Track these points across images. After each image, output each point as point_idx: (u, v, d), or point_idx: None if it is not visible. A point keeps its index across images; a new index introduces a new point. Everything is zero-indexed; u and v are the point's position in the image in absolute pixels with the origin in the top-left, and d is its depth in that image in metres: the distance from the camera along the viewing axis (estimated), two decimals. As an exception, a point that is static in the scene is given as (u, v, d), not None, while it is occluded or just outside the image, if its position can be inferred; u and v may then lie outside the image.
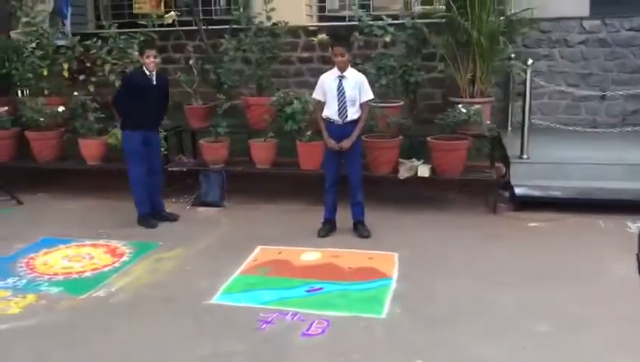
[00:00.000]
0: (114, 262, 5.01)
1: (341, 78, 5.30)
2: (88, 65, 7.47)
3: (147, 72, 5.81)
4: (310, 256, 5.07)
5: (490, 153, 6.70)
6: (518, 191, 6.13)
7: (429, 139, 6.33)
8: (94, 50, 7.30)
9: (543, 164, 6.30)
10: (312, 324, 3.84)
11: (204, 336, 3.73)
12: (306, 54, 8.33)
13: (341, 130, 5.36)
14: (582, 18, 7.62)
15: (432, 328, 3.78)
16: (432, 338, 3.66)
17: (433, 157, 6.29)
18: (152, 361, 3.50)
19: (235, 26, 7.37)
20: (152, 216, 6.03)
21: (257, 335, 3.72)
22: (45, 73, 7.38)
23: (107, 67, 7.26)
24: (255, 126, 7.08)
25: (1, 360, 3.52)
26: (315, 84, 5.56)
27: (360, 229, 5.52)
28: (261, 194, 6.85)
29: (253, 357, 3.49)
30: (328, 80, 5.36)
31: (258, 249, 5.24)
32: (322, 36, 6.83)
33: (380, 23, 6.71)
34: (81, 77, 7.52)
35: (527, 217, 5.88)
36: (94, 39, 7.34)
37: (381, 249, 5.19)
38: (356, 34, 6.76)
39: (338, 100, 5.28)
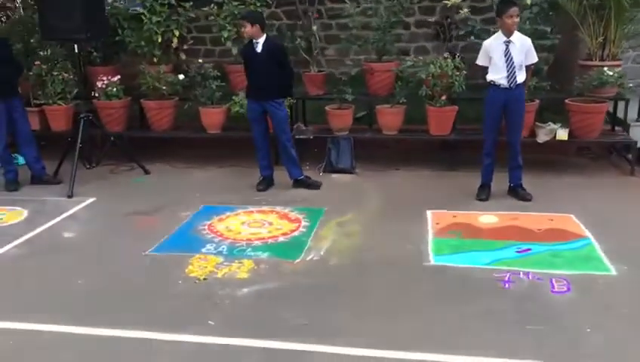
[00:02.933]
0: (298, 227, 5.03)
1: (508, 43, 5.30)
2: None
3: (253, 41, 5.76)
4: (488, 218, 5.14)
5: (612, 116, 6.78)
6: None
7: (567, 101, 6.39)
8: (212, 17, 7.19)
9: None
10: (552, 282, 3.92)
11: (460, 295, 3.80)
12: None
13: (507, 94, 5.39)
14: None
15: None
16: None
17: (572, 121, 6.35)
18: (428, 323, 3.56)
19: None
20: (298, 183, 6.04)
21: (510, 294, 3.80)
22: (160, 40, 7.26)
23: (225, 34, 7.16)
24: (378, 92, 7.07)
25: (276, 317, 3.56)
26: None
27: (521, 193, 5.59)
28: (385, 161, 6.84)
29: (525, 314, 3.56)
30: (494, 45, 5.36)
31: (429, 213, 5.29)
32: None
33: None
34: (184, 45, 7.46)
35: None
36: (212, 5, 7.23)
37: (550, 211, 5.26)
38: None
39: (507, 65, 5.29)
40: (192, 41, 7.59)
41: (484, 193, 5.64)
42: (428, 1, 8.39)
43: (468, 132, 6.73)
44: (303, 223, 5.13)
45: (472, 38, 7.03)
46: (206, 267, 4.29)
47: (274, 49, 5.81)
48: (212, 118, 7.06)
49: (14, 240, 4.89)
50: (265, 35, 5.79)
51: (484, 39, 5.63)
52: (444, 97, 6.49)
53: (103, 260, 4.52)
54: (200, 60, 7.13)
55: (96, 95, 7.15)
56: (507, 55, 5.28)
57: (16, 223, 5.33)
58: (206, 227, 5.11)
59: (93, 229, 5.15)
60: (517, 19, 5.23)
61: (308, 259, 4.42)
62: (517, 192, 5.62)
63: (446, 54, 7.11)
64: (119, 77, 7.26)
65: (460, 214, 5.23)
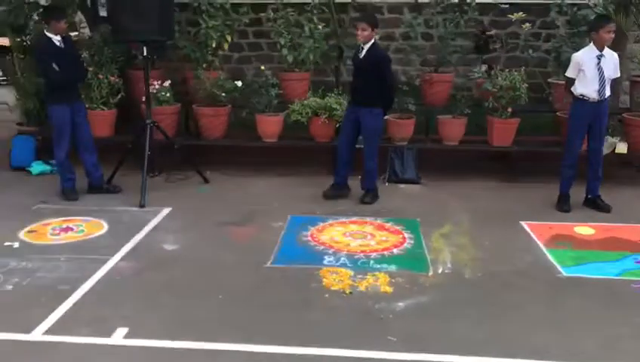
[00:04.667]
0: (405, 240, 4.98)
1: (600, 56, 5.44)
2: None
3: (360, 46, 5.72)
4: (584, 230, 5.24)
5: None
6: None
7: (626, 116, 6.61)
8: (270, 23, 7.07)
9: None
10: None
11: (609, 308, 3.85)
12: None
13: (595, 108, 5.52)
14: None
15: None
16: None
17: (631, 135, 6.57)
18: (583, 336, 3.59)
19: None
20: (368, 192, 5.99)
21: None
22: (214, 45, 7.06)
23: (282, 41, 7.05)
24: (435, 102, 7.11)
25: (450, 332, 3.51)
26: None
27: (601, 204, 5.73)
28: (444, 171, 6.85)
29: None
30: (586, 58, 5.48)
31: (523, 224, 5.35)
32: (520, 14, 6.89)
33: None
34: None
35: None
36: (269, 11, 7.11)
37: (632, 221, 5.41)
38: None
39: (599, 78, 5.43)
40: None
41: (566, 204, 5.75)
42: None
43: (528, 144, 6.85)
44: (406, 235, 5.09)
45: (531, 51, 7.19)
46: (342, 280, 4.18)
47: (376, 57, 5.68)
48: (269, 126, 6.93)
49: (115, 253, 4.64)
50: (372, 42, 5.68)
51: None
52: (509, 109, 6.59)
53: (225, 273, 4.33)
54: (262, 67, 6.95)
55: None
56: (599, 68, 5.41)
57: (101, 235, 5.07)
58: (309, 238, 4.99)
59: (192, 241, 4.93)
60: (613, 35, 5.38)
61: (440, 272, 4.37)
62: (596, 203, 5.75)
63: (484, 67, 7.26)
64: (169, 82, 7.02)
65: (555, 226, 5.31)
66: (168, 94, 6.89)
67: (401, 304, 3.86)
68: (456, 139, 6.86)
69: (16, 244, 4.80)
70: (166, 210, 5.63)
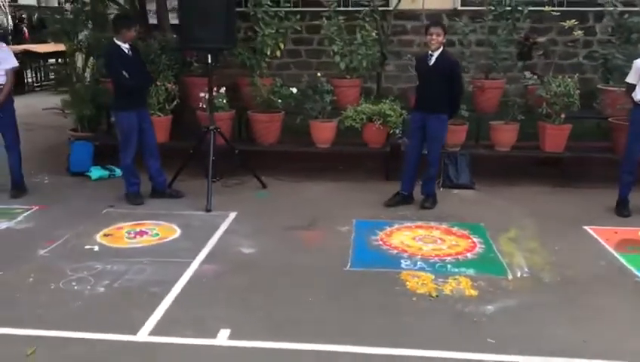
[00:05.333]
0: (475, 244, 5.05)
1: (660, 62, 5.51)
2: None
3: (429, 53, 5.79)
4: (649, 234, 5.30)
5: None
6: None
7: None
8: (324, 30, 7.17)
9: None
10: None
11: None
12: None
13: (652, 114, 5.58)
14: None
15: None
16: None
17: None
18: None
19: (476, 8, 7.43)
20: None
21: None
22: (269, 52, 7.18)
23: (335, 48, 7.15)
24: (485, 109, 7.19)
25: (547, 334, 3.58)
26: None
27: (659, 209, 5.78)
28: (495, 176, 6.91)
29: None
30: (647, 64, 5.55)
31: (588, 228, 5.41)
32: (572, 22, 6.95)
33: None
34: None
35: None
36: (323, 18, 7.21)
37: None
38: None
39: (660, 85, 5.50)
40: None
41: (626, 209, 5.80)
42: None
43: (578, 149, 6.91)
44: (475, 240, 5.16)
45: (580, 58, 7.26)
46: (425, 284, 4.26)
47: (449, 64, 5.72)
48: (323, 132, 7.02)
49: (195, 257, 4.73)
50: (441, 49, 5.76)
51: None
52: (563, 115, 6.65)
53: (307, 276, 4.42)
54: (318, 74, 7.05)
55: (203, 106, 6.99)
56: (660, 74, 5.48)
57: (176, 239, 5.17)
58: (380, 242, 5.07)
59: (266, 245, 5.02)
60: None
61: (519, 276, 4.44)
62: (654, 208, 5.80)
63: (527, 73, 7.33)
64: (224, 88, 7.13)
65: (620, 230, 5.37)
66: (224, 100, 6.99)
67: (490, 307, 3.93)
68: (509, 145, 6.93)
69: (96, 248, 4.91)
70: (232, 214, 5.72)
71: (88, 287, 4.17)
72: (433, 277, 4.37)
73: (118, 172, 7.01)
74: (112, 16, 7.56)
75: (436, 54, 5.73)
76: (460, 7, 9.00)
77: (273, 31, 7.07)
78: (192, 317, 3.77)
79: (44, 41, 17.92)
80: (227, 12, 5.85)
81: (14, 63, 6.16)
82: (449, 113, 5.86)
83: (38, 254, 4.76)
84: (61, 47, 14.32)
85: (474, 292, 4.14)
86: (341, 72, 7.26)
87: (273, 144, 7.16)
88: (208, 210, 5.80)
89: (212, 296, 4.10)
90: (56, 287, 4.17)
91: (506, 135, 6.92)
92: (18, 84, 13.82)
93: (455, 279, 4.34)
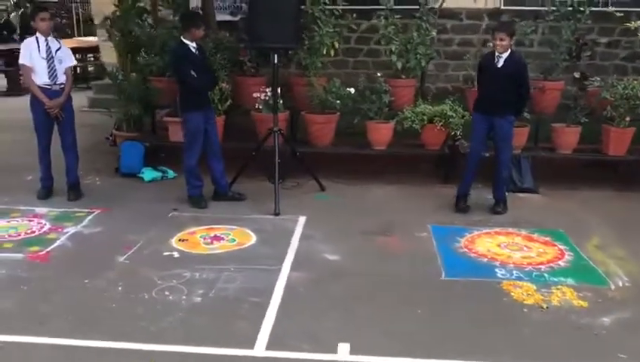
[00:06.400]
0: (563, 252, 4.93)
1: None
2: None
3: (496, 54, 5.67)
4: None
5: None
6: None
7: None
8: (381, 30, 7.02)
9: None
10: None
11: None
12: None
13: None
14: None
15: None
16: None
17: None
18: None
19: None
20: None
21: None
22: (325, 52, 7.02)
23: (393, 47, 7.01)
24: (544, 110, 7.06)
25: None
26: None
27: None
28: (557, 179, 6.77)
29: None
30: None
31: (670, 235, 5.31)
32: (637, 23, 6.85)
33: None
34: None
35: None
36: (380, 17, 7.06)
37: None
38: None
39: None
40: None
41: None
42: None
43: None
44: (561, 247, 5.04)
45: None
46: (530, 294, 4.14)
47: (518, 65, 5.60)
48: (380, 133, 6.88)
49: (282, 264, 4.59)
50: (510, 51, 5.62)
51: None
52: (628, 118, 6.54)
53: (404, 285, 4.29)
54: (379, 74, 6.90)
55: (259, 107, 6.84)
56: None
57: (254, 244, 5.02)
58: (466, 250, 4.94)
59: (349, 251, 4.87)
60: None
61: (621, 285, 4.32)
62: None
63: (577, 74, 7.23)
64: (272, 89, 6.96)
65: None
66: (280, 101, 6.82)
67: (606, 319, 3.81)
68: (570, 148, 6.81)
69: (176, 254, 4.75)
70: (301, 219, 5.58)
71: (183, 297, 4.01)
72: (535, 287, 4.24)
73: (171, 173, 6.88)
74: (161, 13, 7.41)
75: (505, 55, 5.60)
76: (503, 7, 8.85)
77: (331, 30, 6.90)
78: (304, 330, 3.63)
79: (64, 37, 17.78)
80: (296, 11, 5.69)
81: (74, 61, 5.99)
82: (515, 114, 5.73)
83: (118, 261, 4.60)
84: (83, 43, 14.19)
85: (583, 304, 4.01)
86: (397, 71, 7.11)
87: (328, 146, 7.01)
88: (277, 214, 5.65)
89: (315, 306, 3.96)
90: (150, 297, 4.01)
91: (568, 137, 6.80)
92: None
93: (558, 289, 4.22)
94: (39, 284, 4.17)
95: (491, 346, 3.51)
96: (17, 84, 12.83)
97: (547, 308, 3.96)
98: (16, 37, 15.54)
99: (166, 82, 7.10)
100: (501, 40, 5.52)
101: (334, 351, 3.41)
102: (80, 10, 20.06)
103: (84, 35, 17.39)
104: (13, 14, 17.23)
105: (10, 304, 3.89)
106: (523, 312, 3.91)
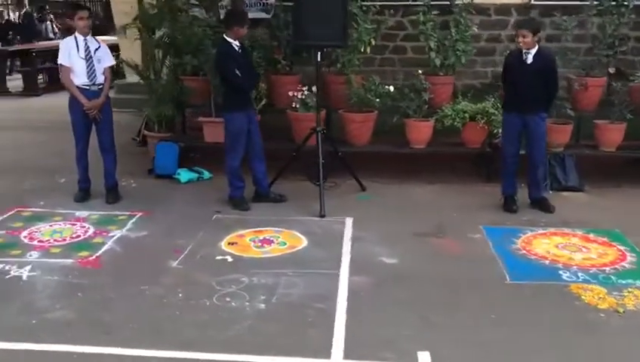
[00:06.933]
0: (624, 252, 4.80)
1: None
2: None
3: (523, 51, 5.52)
4: None
5: None
6: None
7: None
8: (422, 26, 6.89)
9: None
10: None
11: None
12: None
13: None
14: None
15: None
16: None
17: None
18: None
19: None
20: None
21: None
22: (362, 49, 6.88)
23: (431, 44, 6.88)
24: (586, 107, 6.92)
25: None
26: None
27: None
28: (601, 177, 6.62)
29: None
30: None
31: None
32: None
33: None
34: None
35: None
36: (420, 13, 6.92)
37: None
38: None
39: None
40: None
41: None
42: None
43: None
44: (620, 247, 4.90)
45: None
46: (602, 298, 4.00)
47: (547, 61, 5.51)
48: (420, 131, 6.75)
49: (339, 268, 4.47)
50: (537, 47, 5.51)
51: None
52: (676, 114, 6.41)
53: (470, 290, 4.16)
54: (420, 71, 6.75)
55: (295, 105, 6.71)
56: None
57: (306, 247, 4.89)
58: (525, 251, 4.81)
59: (405, 254, 4.73)
60: None
61: (696, 289, 4.19)
62: None
63: (612, 69, 7.10)
64: (315, 87, 6.82)
65: None
66: (315, 100, 6.69)
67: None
68: (615, 145, 6.67)
69: (229, 258, 4.62)
70: (348, 220, 5.45)
71: (247, 304, 3.89)
72: (605, 290, 4.11)
73: (207, 174, 6.76)
74: (192, 12, 7.27)
75: (533, 52, 5.47)
76: (534, 2, 8.68)
77: (369, 26, 6.76)
78: (380, 338, 3.50)
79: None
80: (344, 8, 5.55)
81: (113, 61, 5.87)
82: (545, 111, 5.64)
83: (171, 265, 4.48)
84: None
85: (664, 309, 3.88)
86: (435, 68, 6.98)
87: (366, 145, 6.87)
88: (322, 216, 5.52)
89: (384, 312, 3.83)
90: (211, 304, 3.88)
91: (612, 134, 6.66)
92: (53, 81, 13.61)
93: (630, 292, 4.09)
94: (96, 291, 4.05)
95: (586, 356, 3.37)
96: (34, 85, 12.74)
97: (624, 312, 3.82)
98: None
99: (200, 82, 6.98)
100: (524, 37, 5.41)
101: (415, 360, 3.27)
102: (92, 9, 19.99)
103: (94, 34, 17.31)
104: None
105: (70, 312, 3.77)
106: (600, 317, 3.77)
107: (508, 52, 6.21)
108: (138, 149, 7.80)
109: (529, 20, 6.17)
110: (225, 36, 5.50)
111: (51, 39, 15.62)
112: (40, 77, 13.35)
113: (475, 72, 8.71)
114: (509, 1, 8.58)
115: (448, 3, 7.18)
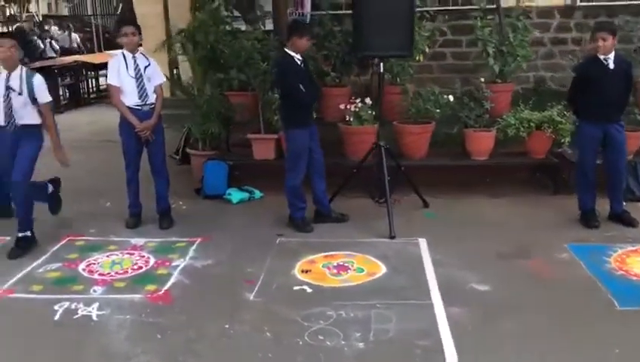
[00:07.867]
0: None
1: None
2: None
3: (602, 57, 5.19)
4: None
5: None
6: None
7: None
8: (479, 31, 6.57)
9: None
10: None
11: None
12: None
13: None
14: None
15: None
16: None
17: None
18: None
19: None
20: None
21: None
22: (420, 58, 6.58)
23: (490, 50, 6.57)
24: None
25: None
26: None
27: None
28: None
29: None
30: None
31: None
32: None
33: None
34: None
35: None
36: (478, 18, 6.61)
37: None
38: None
39: None
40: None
41: None
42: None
43: None
44: None
45: None
46: None
47: (626, 65, 5.25)
48: (481, 142, 6.41)
49: (431, 297, 4.13)
50: (614, 51, 5.19)
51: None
52: None
53: (580, 319, 3.82)
54: (482, 79, 6.43)
55: (349, 118, 6.39)
56: None
57: (387, 274, 4.54)
58: (622, 272, 4.48)
59: (493, 278, 4.38)
60: None
61: None
62: None
63: None
64: (368, 100, 6.51)
65: None
66: (372, 113, 6.38)
67: None
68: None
69: (307, 289, 4.29)
70: (422, 241, 5.12)
71: (342, 342, 3.55)
72: None
73: (258, 193, 6.45)
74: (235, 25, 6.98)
75: (612, 57, 5.16)
76: (579, 3, 8.36)
77: (425, 34, 6.44)
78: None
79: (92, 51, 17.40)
80: (410, 17, 5.24)
81: (164, 78, 5.56)
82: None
83: (247, 298, 4.15)
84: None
85: None
86: (493, 75, 6.66)
87: (423, 157, 6.53)
88: (392, 237, 5.18)
89: (499, 348, 3.49)
90: (304, 343, 3.55)
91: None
92: (74, 98, 13.35)
93: None
94: (175, 332, 3.72)
95: None
96: (56, 102, 12.42)
97: None
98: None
99: (248, 97, 6.69)
100: (604, 40, 5.09)
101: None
102: (100, 24, 19.81)
103: (105, 49, 17.08)
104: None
105: (154, 358, 3.44)
106: None
107: (579, 61, 5.87)
108: (179, 168, 7.48)
109: (608, 22, 5.84)
110: (286, 49, 5.19)
111: (52, 58, 14.93)
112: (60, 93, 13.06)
113: (518, 76, 8.38)
114: (552, 3, 8.29)
115: (494, 7, 6.89)
